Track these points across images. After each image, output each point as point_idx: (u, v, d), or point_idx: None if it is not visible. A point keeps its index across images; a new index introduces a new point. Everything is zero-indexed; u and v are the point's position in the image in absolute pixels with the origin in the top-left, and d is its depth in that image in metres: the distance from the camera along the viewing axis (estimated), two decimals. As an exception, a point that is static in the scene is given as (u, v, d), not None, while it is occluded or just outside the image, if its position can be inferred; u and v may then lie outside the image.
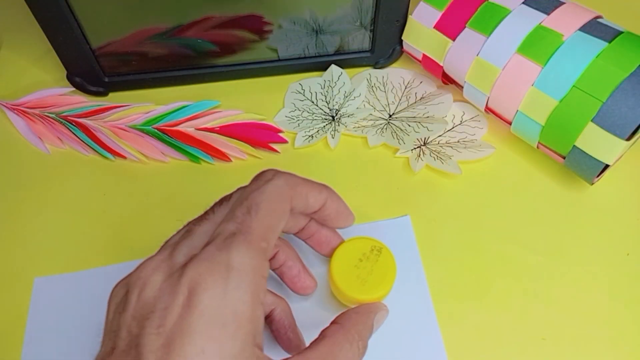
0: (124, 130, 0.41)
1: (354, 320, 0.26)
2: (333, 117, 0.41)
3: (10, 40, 0.47)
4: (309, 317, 0.32)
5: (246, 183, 0.26)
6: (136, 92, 0.44)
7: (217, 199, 0.27)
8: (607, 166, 0.34)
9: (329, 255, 0.31)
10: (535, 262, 0.35)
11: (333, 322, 0.26)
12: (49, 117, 0.42)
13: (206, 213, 0.26)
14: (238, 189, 0.27)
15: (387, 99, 0.42)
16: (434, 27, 0.39)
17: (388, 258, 0.30)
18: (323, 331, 0.26)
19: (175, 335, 0.21)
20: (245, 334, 0.21)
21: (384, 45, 0.42)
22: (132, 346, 0.21)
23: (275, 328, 0.29)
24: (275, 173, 0.25)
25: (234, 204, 0.24)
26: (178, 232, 0.26)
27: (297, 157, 0.40)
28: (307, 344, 0.25)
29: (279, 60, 0.43)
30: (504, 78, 0.36)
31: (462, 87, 0.39)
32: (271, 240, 0.24)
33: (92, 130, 0.41)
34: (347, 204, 0.37)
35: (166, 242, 0.25)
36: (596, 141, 0.33)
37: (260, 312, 0.22)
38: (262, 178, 0.25)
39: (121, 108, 0.42)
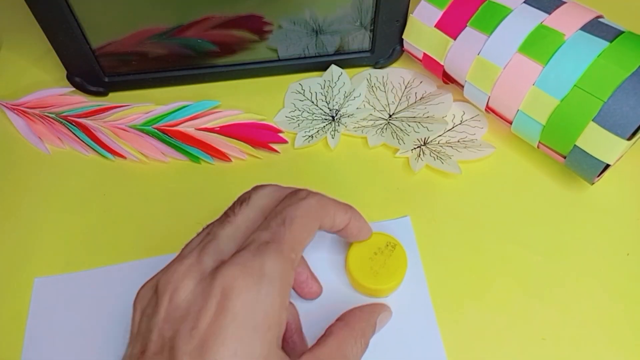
0: (124, 130, 0.41)
1: (358, 317, 0.28)
2: (333, 117, 0.41)
3: (10, 40, 0.47)
4: (322, 307, 0.33)
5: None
6: (136, 92, 0.44)
7: (236, 199, 0.27)
8: (607, 166, 0.34)
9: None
10: (535, 262, 0.35)
11: (338, 320, 0.28)
12: (49, 117, 0.42)
13: (226, 215, 0.27)
14: (255, 187, 0.28)
15: (387, 99, 0.42)
16: (434, 26, 0.39)
17: (401, 254, 0.32)
18: (329, 328, 0.27)
19: (209, 337, 0.21)
20: (272, 337, 0.23)
21: (384, 45, 0.42)
22: (166, 348, 0.22)
23: None
24: (309, 193, 0.27)
25: (269, 216, 0.26)
26: (198, 234, 0.27)
27: (297, 157, 0.40)
28: (315, 340, 0.26)
29: (279, 60, 0.43)
30: (505, 77, 0.36)
31: (463, 87, 0.39)
32: (299, 252, 0.25)
33: (92, 130, 0.41)
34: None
35: (187, 245, 0.26)
36: (597, 141, 0.33)
37: (284, 317, 0.23)
38: (296, 196, 0.26)
39: (121, 108, 0.42)
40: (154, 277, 0.25)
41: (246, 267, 0.23)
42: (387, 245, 0.32)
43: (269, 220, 0.25)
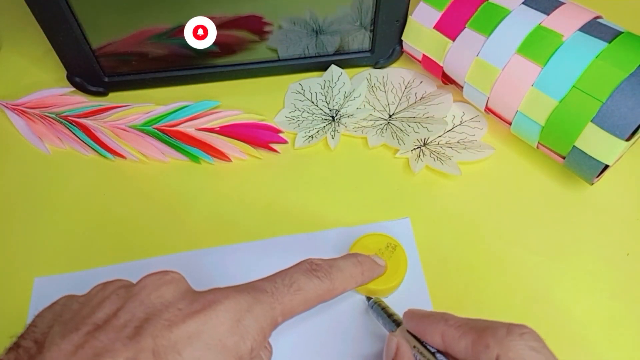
0: (124, 130, 0.41)
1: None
2: (333, 117, 0.41)
3: (10, 40, 0.47)
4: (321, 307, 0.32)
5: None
6: (136, 92, 0.44)
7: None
8: (606, 166, 0.34)
9: None
10: (535, 262, 0.35)
11: None
12: (49, 117, 0.42)
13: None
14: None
15: (387, 99, 0.42)
16: (433, 28, 0.39)
17: (401, 255, 0.32)
18: None
19: (182, 336, 0.21)
20: None
21: (384, 45, 0.42)
22: (131, 326, 0.22)
23: None
24: (326, 274, 0.26)
25: (280, 272, 0.25)
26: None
27: (297, 158, 0.40)
28: None
29: (279, 60, 0.43)
30: (504, 78, 0.36)
31: (462, 88, 0.39)
32: (285, 319, 0.24)
33: (92, 130, 0.41)
34: (347, 204, 0.37)
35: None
36: (596, 141, 0.33)
37: None
38: (313, 270, 0.26)
39: (121, 108, 0.42)
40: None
41: (236, 298, 0.23)
42: (388, 246, 0.32)
43: (276, 277, 0.25)
